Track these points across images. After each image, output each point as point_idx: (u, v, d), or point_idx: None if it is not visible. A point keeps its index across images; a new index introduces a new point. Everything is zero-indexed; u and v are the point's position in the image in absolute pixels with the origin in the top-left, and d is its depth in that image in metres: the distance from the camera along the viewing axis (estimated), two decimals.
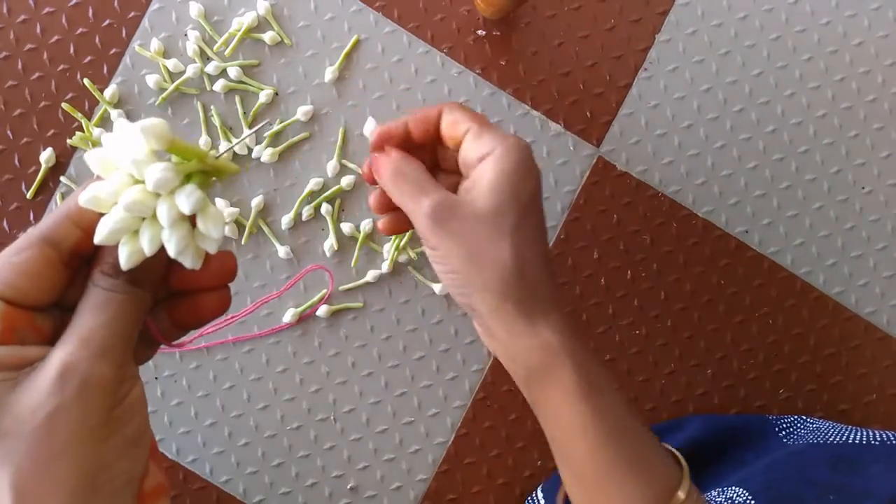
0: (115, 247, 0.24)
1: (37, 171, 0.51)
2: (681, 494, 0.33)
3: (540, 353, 0.33)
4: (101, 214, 0.24)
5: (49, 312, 0.25)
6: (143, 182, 0.23)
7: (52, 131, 0.51)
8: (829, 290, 0.53)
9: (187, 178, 0.24)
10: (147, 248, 0.23)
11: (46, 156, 0.50)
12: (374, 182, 0.37)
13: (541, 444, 0.52)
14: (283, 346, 0.51)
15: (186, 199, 0.23)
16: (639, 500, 0.32)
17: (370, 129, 0.33)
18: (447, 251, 0.33)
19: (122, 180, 0.23)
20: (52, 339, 0.24)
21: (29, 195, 0.51)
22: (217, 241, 0.25)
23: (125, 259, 0.23)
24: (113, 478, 0.23)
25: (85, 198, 0.24)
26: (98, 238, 0.23)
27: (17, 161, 0.51)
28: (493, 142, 0.34)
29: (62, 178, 0.50)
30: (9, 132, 0.51)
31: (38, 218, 0.51)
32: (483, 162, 0.34)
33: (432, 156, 0.38)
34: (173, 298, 0.28)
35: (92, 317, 0.24)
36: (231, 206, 0.51)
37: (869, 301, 0.53)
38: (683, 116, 0.52)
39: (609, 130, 0.52)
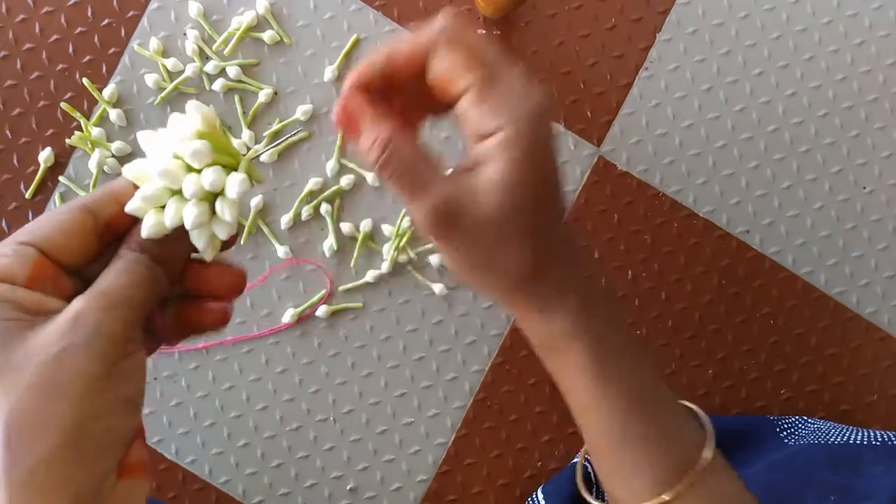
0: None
1: (35, 171, 0.50)
2: (706, 454, 0.32)
3: (552, 336, 0.32)
4: None
5: (72, 277, 0.27)
6: (180, 159, 0.26)
7: (50, 131, 0.51)
8: (831, 291, 0.53)
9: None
10: (169, 218, 0.26)
11: (45, 155, 0.50)
12: (347, 130, 0.31)
13: (541, 446, 0.52)
14: (283, 346, 0.51)
15: (210, 176, 0.26)
16: (655, 471, 0.32)
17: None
18: (452, 255, 0.31)
19: (167, 157, 0.26)
20: (70, 300, 0.26)
21: (28, 195, 0.51)
22: (229, 226, 0.27)
23: (147, 228, 0.26)
24: (103, 431, 0.24)
25: (130, 170, 0.27)
26: (129, 206, 0.26)
27: (15, 161, 0.51)
28: (500, 113, 0.29)
29: (61, 178, 0.50)
30: (7, 132, 0.51)
31: (36, 217, 0.51)
32: (488, 144, 0.29)
33: (420, 85, 0.31)
34: (183, 299, 0.29)
35: (112, 277, 0.26)
36: None
37: (870, 301, 0.53)
38: (684, 116, 0.52)
39: (610, 130, 0.52)
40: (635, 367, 0.33)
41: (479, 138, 0.30)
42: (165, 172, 0.26)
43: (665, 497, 0.32)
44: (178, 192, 0.27)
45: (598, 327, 0.32)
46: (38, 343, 0.24)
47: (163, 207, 0.26)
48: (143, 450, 0.27)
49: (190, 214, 0.26)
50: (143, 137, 0.27)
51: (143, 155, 0.53)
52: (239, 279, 0.29)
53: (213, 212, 0.27)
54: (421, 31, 0.31)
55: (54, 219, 0.26)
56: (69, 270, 0.27)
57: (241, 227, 0.51)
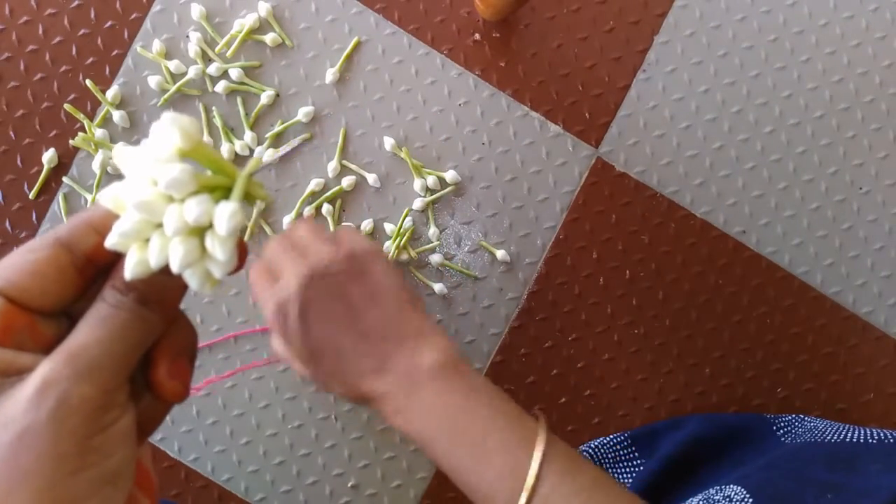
0: None
1: (39, 172, 0.51)
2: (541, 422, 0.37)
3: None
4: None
5: (56, 320, 0.23)
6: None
7: (54, 132, 0.51)
8: (827, 290, 0.53)
9: (209, 193, 0.22)
10: (154, 258, 0.21)
11: (49, 156, 0.50)
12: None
13: None
14: None
15: (194, 207, 0.21)
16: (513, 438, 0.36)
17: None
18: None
19: (146, 182, 0.22)
20: (52, 349, 0.22)
21: (31, 195, 0.51)
22: (223, 265, 0.22)
23: (130, 268, 0.22)
24: None
25: (106, 196, 0.22)
26: (109, 240, 0.22)
27: (19, 161, 0.51)
28: None
29: (64, 179, 0.51)
30: (11, 133, 0.51)
31: (40, 218, 0.51)
32: None
33: None
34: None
35: (88, 332, 0.22)
36: None
37: (866, 301, 0.53)
38: (682, 117, 0.53)
39: (608, 131, 0.52)
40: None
41: None
42: (142, 205, 0.21)
43: (541, 435, 0.35)
44: (161, 225, 0.22)
45: (464, 361, 0.38)
46: (1, 419, 0.20)
47: (148, 240, 0.22)
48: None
49: (176, 254, 0.21)
50: (120, 155, 0.22)
51: None
52: (185, 389, 0.25)
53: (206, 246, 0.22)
54: None
55: (22, 259, 0.22)
56: (50, 313, 0.23)
57: (243, 228, 0.51)
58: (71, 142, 0.50)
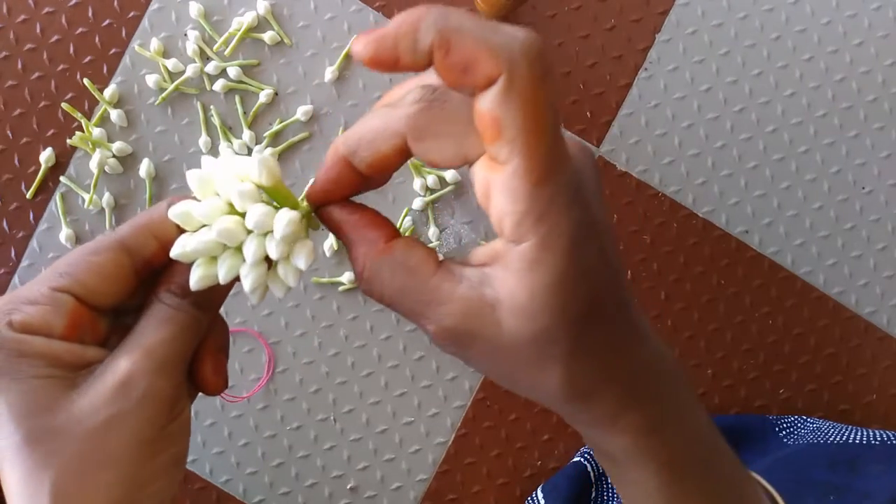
0: (186, 268, 0.24)
1: (36, 171, 0.51)
2: None
3: (610, 451, 0.26)
4: (181, 231, 0.24)
5: (107, 317, 0.26)
6: (239, 214, 0.24)
7: (51, 131, 0.51)
8: (830, 290, 0.53)
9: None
10: (223, 276, 0.24)
11: (46, 156, 0.50)
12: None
13: (540, 445, 0.52)
14: (283, 346, 0.51)
15: (279, 248, 0.24)
16: None
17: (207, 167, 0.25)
18: (475, 367, 0.26)
19: (218, 206, 0.24)
20: (105, 342, 0.25)
21: (29, 195, 0.51)
22: (288, 288, 0.26)
23: (196, 280, 0.24)
24: (151, 495, 0.23)
25: (176, 211, 0.24)
26: (175, 252, 0.24)
27: (16, 161, 0.51)
28: (529, 210, 0.20)
29: (62, 178, 0.50)
30: (8, 132, 0.51)
31: (37, 218, 0.51)
32: (508, 253, 0.21)
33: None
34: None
35: (156, 331, 0.24)
36: None
37: (869, 301, 0.53)
38: (683, 116, 0.52)
39: (609, 130, 0.52)
40: (714, 478, 0.27)
41: (496, 223, 0.22)
42: (224, 232, 0.23)
43: None
44: (229, 246, 0.24)
45: (671, 444, 0.26)
46: (84, 407, 0.23)
47: (213, 258, 0.24)
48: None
49: (250, 278, 0.24)
50: (193, 178, 0.24)
51: (145, 155, 0.53)
52: (225, 383, 0.27)
53: (269, 265, 0.25)
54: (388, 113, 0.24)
55: (89, 260, 0.24)
56: (107, 311, 0.25)
57: None
58: (68, 141, 0.50)
